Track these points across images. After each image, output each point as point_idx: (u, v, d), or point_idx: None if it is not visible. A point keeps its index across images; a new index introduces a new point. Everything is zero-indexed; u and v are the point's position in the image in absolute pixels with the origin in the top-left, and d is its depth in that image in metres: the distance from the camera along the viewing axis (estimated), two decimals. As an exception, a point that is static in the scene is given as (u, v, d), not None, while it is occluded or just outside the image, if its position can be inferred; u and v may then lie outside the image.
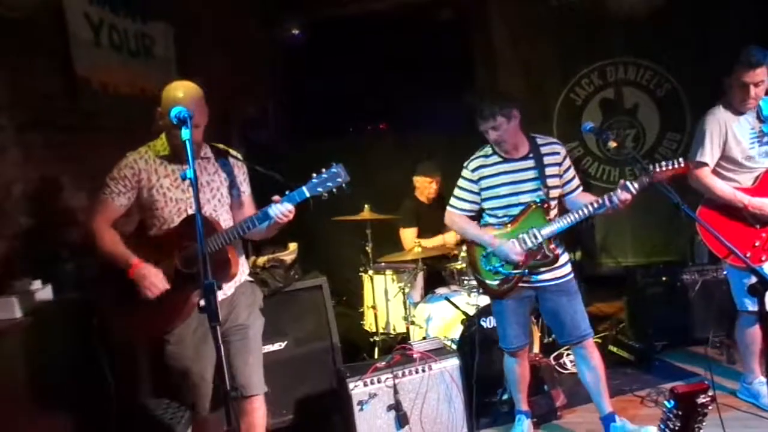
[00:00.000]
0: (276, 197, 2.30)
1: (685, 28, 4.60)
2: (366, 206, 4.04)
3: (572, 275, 2.91)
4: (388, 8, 5.34)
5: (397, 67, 5.34)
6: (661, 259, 4.43)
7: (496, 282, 2.87)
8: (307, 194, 2.30)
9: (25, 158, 2.80)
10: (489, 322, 3.53)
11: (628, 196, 2.62)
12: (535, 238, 2.78)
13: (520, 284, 2.85)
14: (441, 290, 4.06)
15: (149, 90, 3.51)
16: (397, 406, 2.99)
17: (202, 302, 2.26)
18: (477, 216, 3.02)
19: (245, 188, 2.61)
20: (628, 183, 2.62)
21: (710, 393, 1.70)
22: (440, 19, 5.49)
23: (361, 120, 5.75)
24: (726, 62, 4.34)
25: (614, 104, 4.98)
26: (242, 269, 2.64)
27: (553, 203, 2.85)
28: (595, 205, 2.70)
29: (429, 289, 4.21)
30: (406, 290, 3.95)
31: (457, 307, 3.63)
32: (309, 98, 5.49)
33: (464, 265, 3.98)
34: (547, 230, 2.78)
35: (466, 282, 3.89)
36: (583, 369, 2.93)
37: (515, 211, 2.84)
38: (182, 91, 2.28)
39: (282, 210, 2.31)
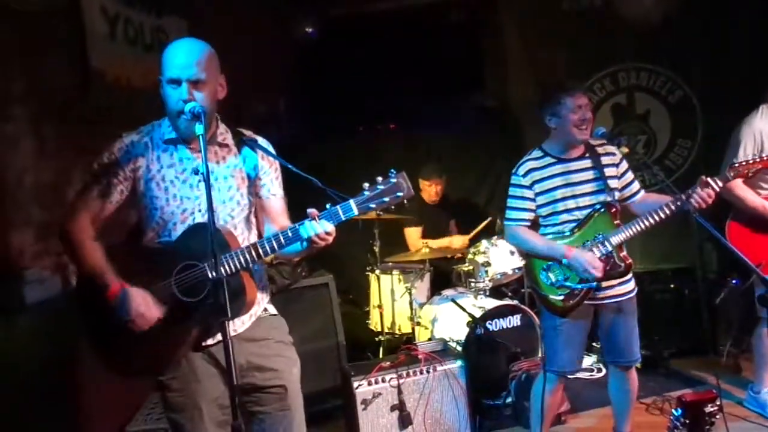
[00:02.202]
0: (312, 211, 1.74)
1: (698, 34, 4.57)
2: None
3: (635, 292, 2.66)
4: (400, 8, 5.33)
5: (408, 68, 5.33)
6: (669, 266, 4.39)
7: (561, 297, 2.55)
8: (356, 212, 1.74)
9: (38, 149, 2.82)
10: (495, 325, 3.53)
11: (711, 193, 2.33)
12: (604, 246, 2.48)
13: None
14: (447, 292, 4.06)
15: (162, 84, 3.53)
16: (400, 406, 2.99)
17: (210, 341, 1.87)
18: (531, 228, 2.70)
19: (276, 189, 2.03)
20: (710, 179, 2.33)
21: (718, 402, 1.69)
22: (451, 20, 5.48)
23: (371, 119, 5.75)
24: (739, 69, 4.34)
25: (626, 110, 4.96)
26: (260, 297, 2.02)
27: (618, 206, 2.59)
28: (672, 207, 2.39)
29: (435, 290, 4.21)
30: (413, 291, 3.94)
31: (463, 309, 3.63)
32: (320, 97, 5.49)
33: (471, 267, 3.98)
34: (617, 237, 2.47)
35: (472, 284, 3.88)
36: (616, 388, 2.78)
37: (573, 216, 2.58)
38: (182, 52, 1.80)
39: (318, 231, 1.73)
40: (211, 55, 1.87)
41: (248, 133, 2.02)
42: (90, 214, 1.87)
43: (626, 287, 2.62)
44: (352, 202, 1.73)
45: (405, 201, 1.76)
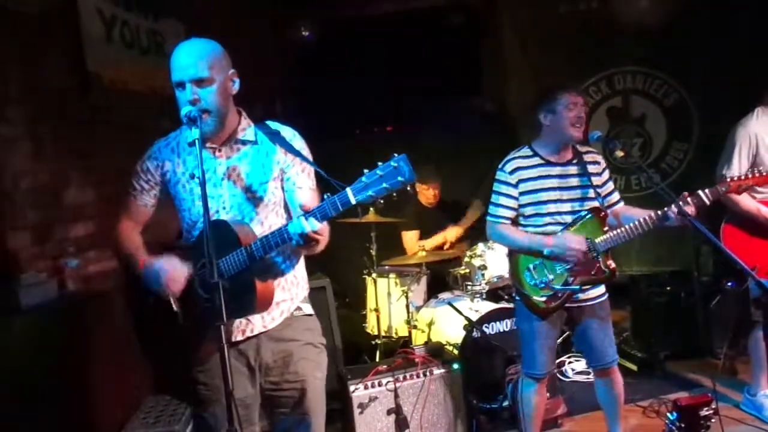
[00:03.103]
0: (304, 204, 1.72)
1: (695, 38, 4.60)
2: (371, 209, 4.05)
3: (607, 296, 2.68)
4: (398, 11, 5.35)
5: (406, 70, 5.35)
6: (666, 269, 4.41)
7: (543, 298, 2.55)
8: (353, 200, 1.63)
9: (35, 152, 2.81)
10: (491, 328, 3.53)
11: (692, 210, 2.32)
12: (591, 251, 2.48)
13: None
14: (444, 295, 4.06)
15: (159, 87, 3.52)
16: (397, 410, 2.99)
17: (239, 337, 1.88)
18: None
19: (303, 182, 1.95)
20: (700, 192, 2.36)
21: (713, 405, 1.69)
22: (450, 23, 5.50)
23: (369, 122, 5.76)
24: (735, 73, 4.36)
25: (622, 113, 4.98)
26: (293, 293, 2.01)
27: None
28: (659, 215, 2.40)
29: (432, 293, 4.21)
30: (409, 294, 3.95)
31: (459, 312, 3.63)
32: (318, 99, 5.50)
33: (467, 270, 3.98)
34: (604, 243, 2.48)
35: (469, 287, 3.88)
36: (601, 392, 2.77)
37: (557, 219, 2.58)
38: (183, 54, 1.81)
39: (306, 229, 1.66)
40: (216, 52, 1.86)
41: (272, 125, 1.98)
42: (130, 217, 2.00)
43: (598, 290, 2.64)
44: (348, 190, 1.63)
45: (407, 187, 1.62)
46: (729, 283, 3.79)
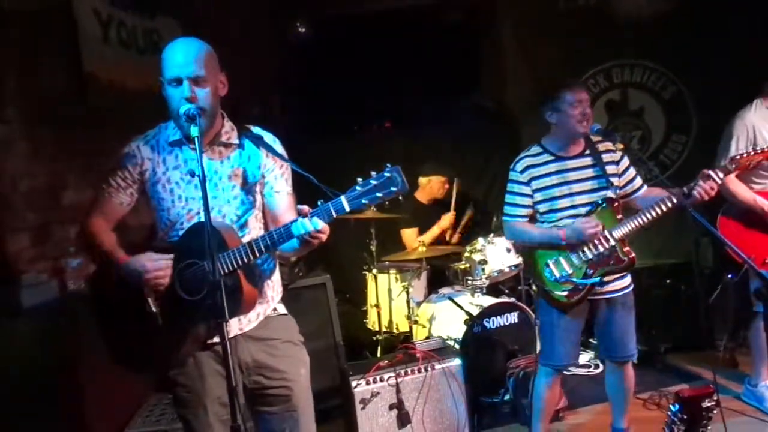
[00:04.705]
0: (303, 208, 1.72)
1: (692, 30, 4.59)
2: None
3: (632, 287, 2.68)
4: (396, 8, 5.33)
5: (404, 67, 5.33)
6: (665, 261, 4.41)
7: (565, 293, 2.55)
8: (347, 208, 1.69)
9: (33, 153, 2.81)
10: (492, 322, 3.54)
11: (714, 186, 2.36)
12: (607, 240, 2.49)
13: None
14: (444, 290, 4.07)
15: (157, 86, 3.52)
16: (399, 405, 2.99)
17: (216, 339, 1.87)
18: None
19: (281, 186, 2.01)
20: (710, 172, 2.37)
21: (715, 397, 1.70)
22: (448, 19, 5.48)
23: (367, 119, 5.75)
24: (733, 65, 4.36)
25: (620, 106, 4.98)
26: (269, 295, 2.04)
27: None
28: (675, 200, 2.39)
29: (432, 288, 4.21)
30: (410, 289, 3.95)
31: (460, 307, 3.64)
32: (315, 97, 5.49)
33: (468, 265, 3.98)
34: (620, 231, 2.48)
35: (469, 282, 3.89)
36: (612, 383, 2.79)
37: (572, 213, 2.59)
38: (180, 51, 1.82)
39: (309, 229, 1.70)
40: (210, 53, 1.89)
41: (255, 129, 2.01)
42: (103, 215, 1.95)
43: (623, 282, 2.64)
44: (343, 198, 1.70)
45: (399, 197, 1.70)
46: (729, 275, 3.80)
